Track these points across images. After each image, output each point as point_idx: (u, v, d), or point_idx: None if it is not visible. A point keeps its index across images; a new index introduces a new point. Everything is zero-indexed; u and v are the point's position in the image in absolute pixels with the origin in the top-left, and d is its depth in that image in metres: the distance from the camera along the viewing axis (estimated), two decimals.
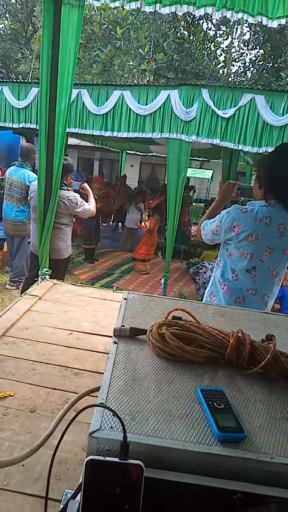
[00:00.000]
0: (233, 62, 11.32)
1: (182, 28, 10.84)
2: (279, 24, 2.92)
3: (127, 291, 1.10)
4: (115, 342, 0.80)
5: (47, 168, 3.15)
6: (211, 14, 2.84)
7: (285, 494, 0.51)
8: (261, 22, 2.85)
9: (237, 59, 11.37)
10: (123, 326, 0.85)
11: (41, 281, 3.17)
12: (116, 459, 0.50)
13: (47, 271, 3.26)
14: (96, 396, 0.64)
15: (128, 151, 12.53)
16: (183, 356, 0.77)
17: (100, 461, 0.50)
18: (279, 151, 1.89)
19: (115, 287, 3.17)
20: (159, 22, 8.36)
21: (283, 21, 2.87)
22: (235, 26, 10.04)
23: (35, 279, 3.27)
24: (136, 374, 0.70)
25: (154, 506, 0.52)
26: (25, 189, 4.79)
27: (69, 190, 3.45)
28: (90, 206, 3.56)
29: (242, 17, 2.87)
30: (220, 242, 2.01)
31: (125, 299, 1.05)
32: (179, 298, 1.39)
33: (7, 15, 12.59)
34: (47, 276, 3.25)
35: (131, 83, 6.93)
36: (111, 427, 0.55)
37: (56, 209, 3.21)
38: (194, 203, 13.12)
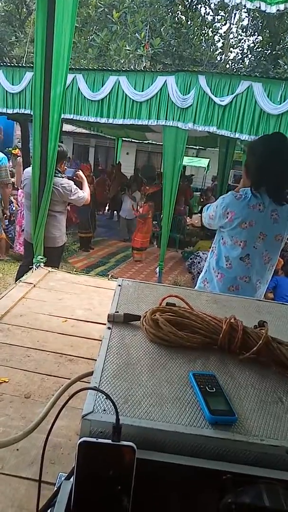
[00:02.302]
0: (231, 49, 11.17)
1: (179, 13, 10.65)
2: (278, 10, 2.87)
3: (121, 278, 1.10)
4: (109, 328, 0.81)
5: (41, 155, 3.11)
6: None
7: (274, 475, 0.52)
8: (260, 7, 2.80)
9: (235, 46, 11.21)
10: (117, 312, 0.85)
11: (35, 269, 3.17)
12: (109, 441, 0.51)
13: (41, 258, 3.25)
14: (90, 382, 0.64)
15: (124, 138, 12.41)
16: (176, 341, 0.77)
17: (93, 443, 0.51)
18: (268, 141, 1.88)
19: (109, 276, 3.17)
20: (156, 6, 8.19)
21: (281, 7, 2.83)
22: (234, 11, 9.87)
23: (30, 266, 3.26)
24: (129, 358, 0.71)
25: (146, 487, 0.53)
26: None
27: (63, 177, 3.42)
28: (85, 193, 3.53)
29: (241, 2, 2.82)
30: (216, 227, 2.02)
31: (119, 285, 1.06)
32: (173, 286, 1.40)
33: None
34: (42, 264, 3.24)
35: (127, 69, 6.82)
36: (104, 410, 0.56)
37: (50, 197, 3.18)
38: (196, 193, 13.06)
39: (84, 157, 17.92)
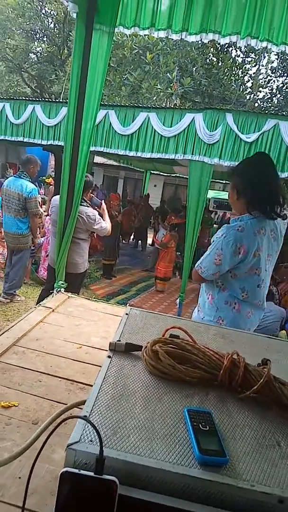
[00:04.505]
0: (260, 88, 11.45)
1: (211, 55, 11.10)
2: None
3: (129, 306, 1.10)
4: (109, 356, 0.81)
5: (69, 184, 3.24)
6: (236, 42, 2.91)
7: None
8: (285, 51, 2.89)
9: (264, 86, 11.50)
10: (119, 341, 0.85)
11: (56, 294, 3.22)
12: (91, 474, 0.50)
13: (62, 284, 3.30)
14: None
15: (152, 171, 12.72)
16: (175, 375, 0.76)
17: (74, 474, 0.50)
18: (257, 162, 1.88)
19: (127, 305, 3.17)
20: (188, 48, 8.60)
21: None
22: (263, 54, 10.19)
23: (51, 291, 3.32)
24: (125, 389, 0.70)
25: None
26: (22, 200, 4.64)
27: (88, 206, 3.52)
28: (107, 225, 3.62)
29: (267, 46, 2.93)
30: (224, 271, 1.87)
31: (126, 314, 1.06)
32: (183, 318, 1.38)
33: (44, 39, 13.26)
34: (62, 289, 3.29)
35: (158, 106, 7.11)
36: (91, 441, 0.55)
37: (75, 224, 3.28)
38: (214, 225, 13.09)
39: (113, 188, 18.47)
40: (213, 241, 1.90)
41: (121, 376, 0.75)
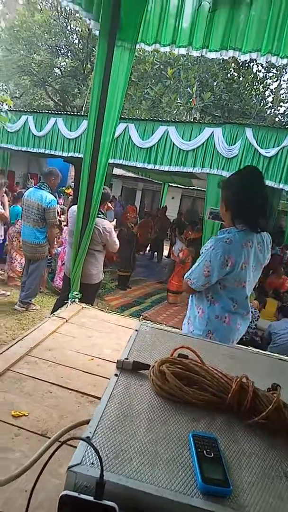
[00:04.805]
0: (281, 103, 11.43)
1: (232, 70, 11.18)
2: None
3: (140, 322, 1.10)
4: (116, 375, 0.80)
5: (87, 195, 3.28)
6: (256, 59, 2.92)
7: None
8: None
9: (285, 100, 11.47)
10: (127, 358, 0.85)
11: (70, 304, 3.23)
12: (91, 498, 0.49)
13: (77, 294, 3.32)
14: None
15: (170, 184, 12.77)
16: (182, 397, 0.75)
17: (73, 497, 0.49)
18: (243, 175, 1.90)
19: (140, 317, 3.16)
20: (209, 63, 8.69)
21: None
22: (285, 69, 10.19)
23: (65, 301, 3.34)
24: (130, 410, 0.69)
25: None
26: (41, 210, 4.71)
27: (105, 219, 3.56)
28: (117, 241, 3.66)
29: (287, 63, 2.93)
30: (213, 282, 1.89)
31: (136, 330, 1.05)
32: (193, 335, 1.36)
33: (68, 54, 13.66)
34: (77, 300, 3.31)
35: (177, 120, 7.17)
36: (92, 463, 0.55)
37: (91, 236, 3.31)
38: None
39: (131, 199, 18.60)
40: (202, 252, 1.93)
41: (127, 396, 0.74)
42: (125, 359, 0.85)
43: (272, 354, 1.14)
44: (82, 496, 0.49)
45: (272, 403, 0.70)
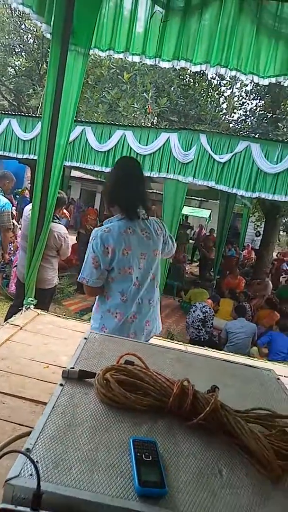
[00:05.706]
0: (235, 110, 11.88)
1: (188, 76, 11.45)
2: (270, 82, 3.11)
3: (90, 331, 1.11)
4: (61, 384, 0.81)
5: (41, 199, 3.23)
6: (206, 70, 3.03)
7: None
8: (253, 80, 3.04)
9: (238, 108, 11.94)
10: (73, 367, 0.85)
11: (25, 311, 3.16)
12: (27, 509, 0.50)
13: (32, 300, 3.25)
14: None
15: None
16: (126, 403, 0.77)
17: (10, 510, 0.50)
18: (117, 167, 2.02)
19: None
20: (165, 70, 8.85)
21: (273, 80, 3.07)
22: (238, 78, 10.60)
23: (20, 308, 3.25)
24: (73, 419, 0.70)
25: None
26: None
27: (60, 224, 3.51)
28: (70, 248, 3.66)
29: (235, 75, 3.06)
30: (105, 273, 1.92)
31: (85, 338, 1.06)
32: (139, 341, 1.38)
33: (23, 54, 13.31)
34: (32, 306, 3.24)
35: (134, 124, 7.23)
36: (31, 475, 0.55)
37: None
38: (190, 241, 13.29)
39: (91, 202, 18.47)
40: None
41: (71, 405, 0.75)
42: (71, 368, 0.85)
43: (217, 357, 1.20)
44: (19, 508, 0.50)
45: (209, 405, 0.74)
